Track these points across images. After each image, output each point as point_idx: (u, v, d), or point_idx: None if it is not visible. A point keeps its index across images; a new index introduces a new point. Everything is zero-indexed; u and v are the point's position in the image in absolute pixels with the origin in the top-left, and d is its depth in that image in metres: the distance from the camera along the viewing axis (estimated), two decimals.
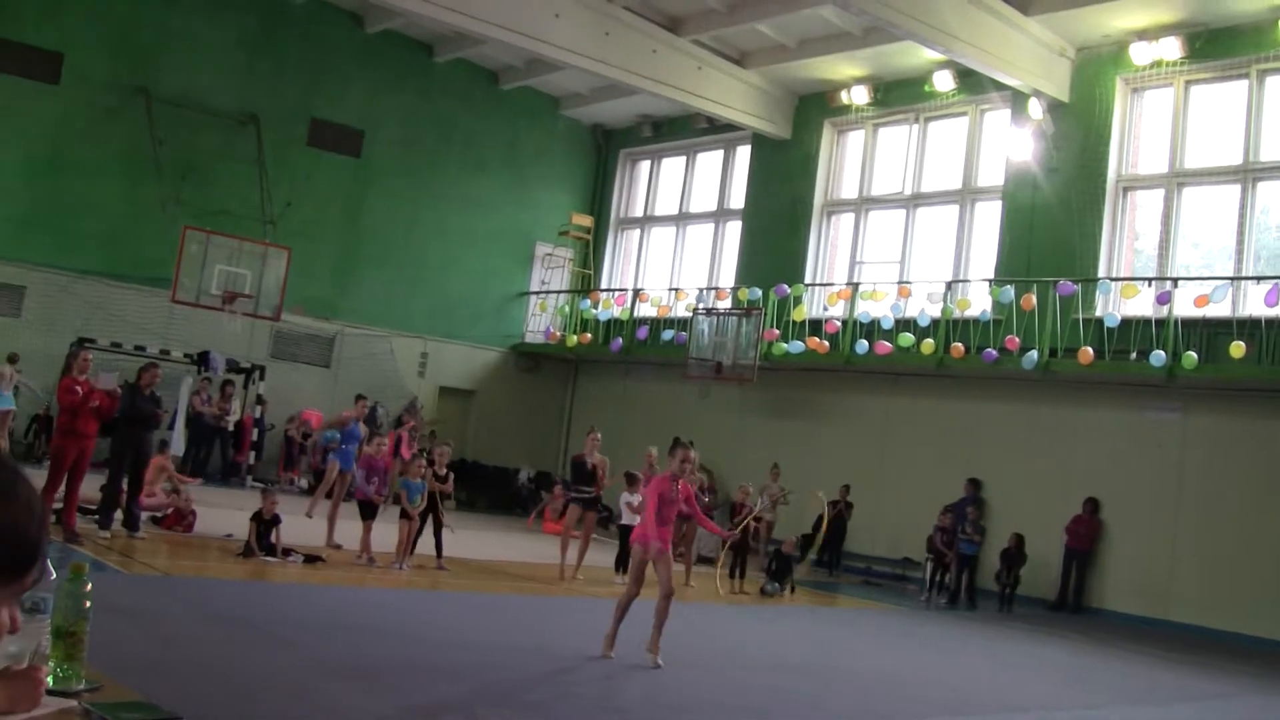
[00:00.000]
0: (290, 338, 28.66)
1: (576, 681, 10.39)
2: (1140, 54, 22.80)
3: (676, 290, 29.37)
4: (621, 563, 18.46)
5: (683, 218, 32.36)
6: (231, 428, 26.21)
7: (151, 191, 26.27)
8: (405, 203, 30.46)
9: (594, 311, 30.91)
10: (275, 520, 15.68)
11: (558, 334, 31.62)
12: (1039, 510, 22.33)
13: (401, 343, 30.42)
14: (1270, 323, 19.96)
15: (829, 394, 26.55)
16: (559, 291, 32.59)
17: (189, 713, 5.44)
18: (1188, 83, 22.97)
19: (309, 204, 28.65)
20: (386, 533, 16.75)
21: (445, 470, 17.27)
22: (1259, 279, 20.91)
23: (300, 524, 17.60)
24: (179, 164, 26.71)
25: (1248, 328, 20.30)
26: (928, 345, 23.42)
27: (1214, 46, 22.28)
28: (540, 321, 32.41)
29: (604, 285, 32.88)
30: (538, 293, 32.60)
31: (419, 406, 29.64)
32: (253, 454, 26.85)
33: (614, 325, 30.51)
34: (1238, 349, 19.73)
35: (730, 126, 29.53)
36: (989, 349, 22.59)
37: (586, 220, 33.15)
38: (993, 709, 11.54)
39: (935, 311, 23.92)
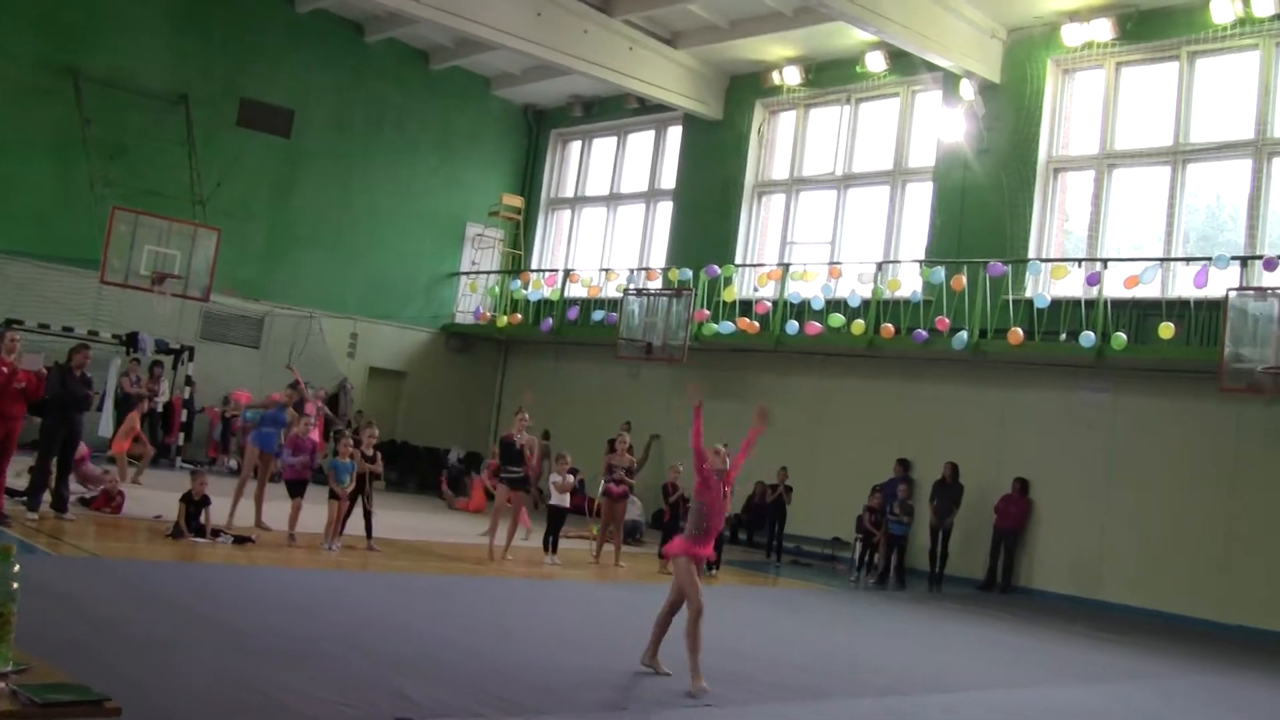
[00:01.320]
0: (220, 319, 28.18)
1: (505, 660, 10.25)
2: (1071, 35, 22.83)
3: (607, 271, 29.09)
4: (550, 543, 18.42)
5: (614, 198, 32.19)
6: (160, 409, 25.78)
7: (80, 172, 25.75)
8: (336, 183, 30.05)
9: (524, 292, 30.66)
10: (205, 501, 15.50)
11: (488, 314, 31.35)
12: (969, 490, 22.25)
13: (331, 323, 30.03)
14: (1199, 304, 20.03)
15: (759, 374, 26.41)
16: (489, 272, 32.31)
17: (118, 694, 5.22)
18: (1119, 64, 23.04)
19: (239, 184, 28.20)
20: (318, 514, 16.53)
21: (373, 451, 17.05)
22: (1188, 260, 20.96)
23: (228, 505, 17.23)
24: (107, 144, 26.21)
25: (1176, 309, 20.39)
26: (858, 326, 23.34)
27: (1145, 28, 22.33)
28: (470, 302, 32.12)
29: (534, 266, 32.65)
30: (468, 273, 32.32)
31: (349, 388, 29.41)
32: (182, 435, 26.42)
33: (544, 306, 30.22)
34: (1167, 330, 19.77)
35: (662, 107, 29.33)
36: (919, 330, 22.56)
37: (517, 201, 32.84)
38: (922, 689, 11.47)
39: (866, 292, 23.83)
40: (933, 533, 22.13)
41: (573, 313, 28.88)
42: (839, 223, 26.96)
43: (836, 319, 23.65)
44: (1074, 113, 23.92)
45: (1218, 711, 12.54)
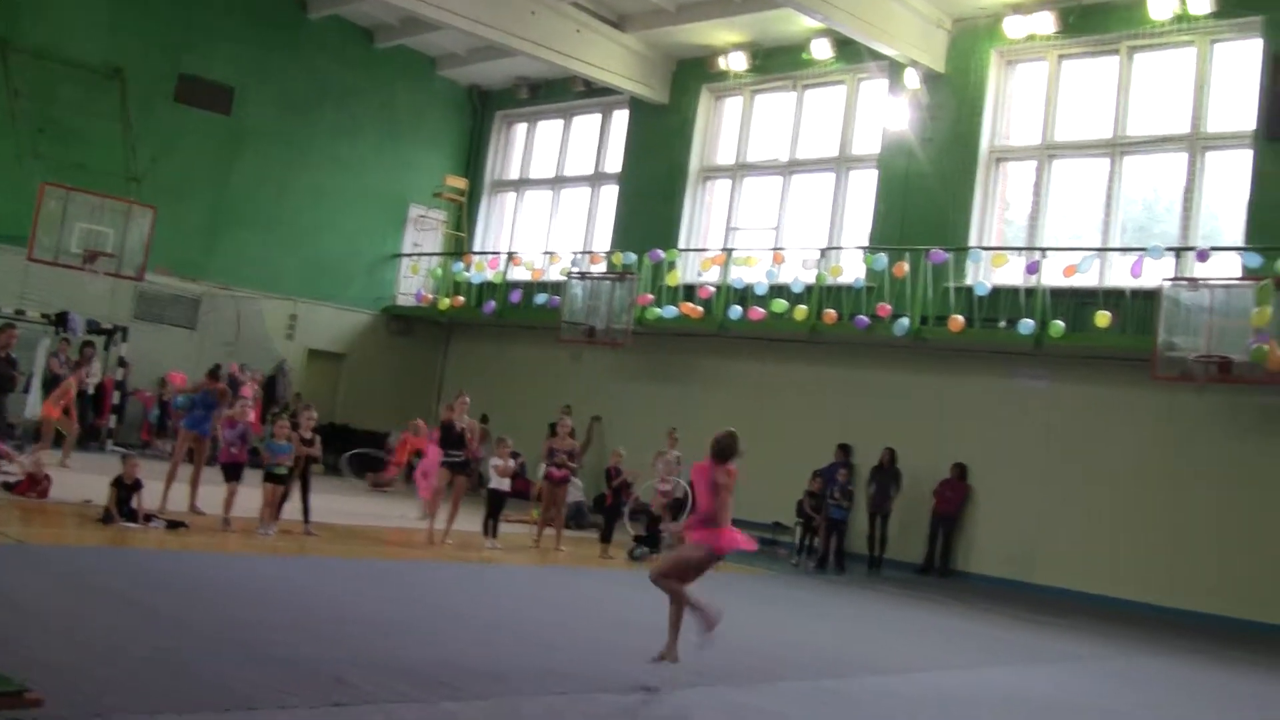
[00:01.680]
0: (155, 299, 27.83)
1: (445, 644, 10.26)
2: (1014, 27, 23.12)
3: (551, 254, 29.22)
4: (490, 527, 18.45)
5: (558, 181, 32.17)
6: (92, 390, 25.37)
7: (8, 145, 25.36)
8: (277, 162, 29.84)
9: (467, 274, 30.55)
10: (136, 485, 15.26)
11: (430, 297, 31.28)
12: (908, 475, 22.47)
13: (270, 304, 29.87)
14: (1134, 293, 20.38)
15: (702, 359, 26.58)
16: (432, 254, 32.25)
17: (44, 684, 5.31)
18: (1060, 57, 23.36)
19: (176, 162, 27.90)
20: (255, 499, 16.39)
21: (312, 434, 16.96)
22: (1124, 250, 21.37)
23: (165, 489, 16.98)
24: (37, 117, 25.82)
25: (1113, 298, 20.70)
26: (801, 311, 23.50)
27: (1086, 22, 22.65)
28: (412, 284, 32.00)
29: (477, 248, 32.58)
30: (410, 255, 32.21)
31: (287, 370, 29.32)
32: (113, 417, 26.02)
33: (487, 288, 30.17)
34: (1103, 318, 20.09)
35: (608, 90, 29.36)
36: (861, 316, 22.72)
37: (461, 182, 32.79)
38: (861, 671, 11.55)
39: (809, 278, 23.98)
40: (871, 517, 22.39)
41: (515, 296, 28.78)
42: (783, 209, 27.09)
43: (779, 304, 23.80)
44: (1016, 104, 24.19)
45: (1152, 692, 12.70)
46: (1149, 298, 19.86)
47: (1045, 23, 22.81)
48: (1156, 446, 20.66)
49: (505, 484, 18.70)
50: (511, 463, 18.94)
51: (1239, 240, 20.35)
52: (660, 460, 20.88)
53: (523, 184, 33.17)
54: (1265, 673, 15.09)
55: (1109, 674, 13.60)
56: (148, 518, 15.32)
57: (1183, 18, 21.49)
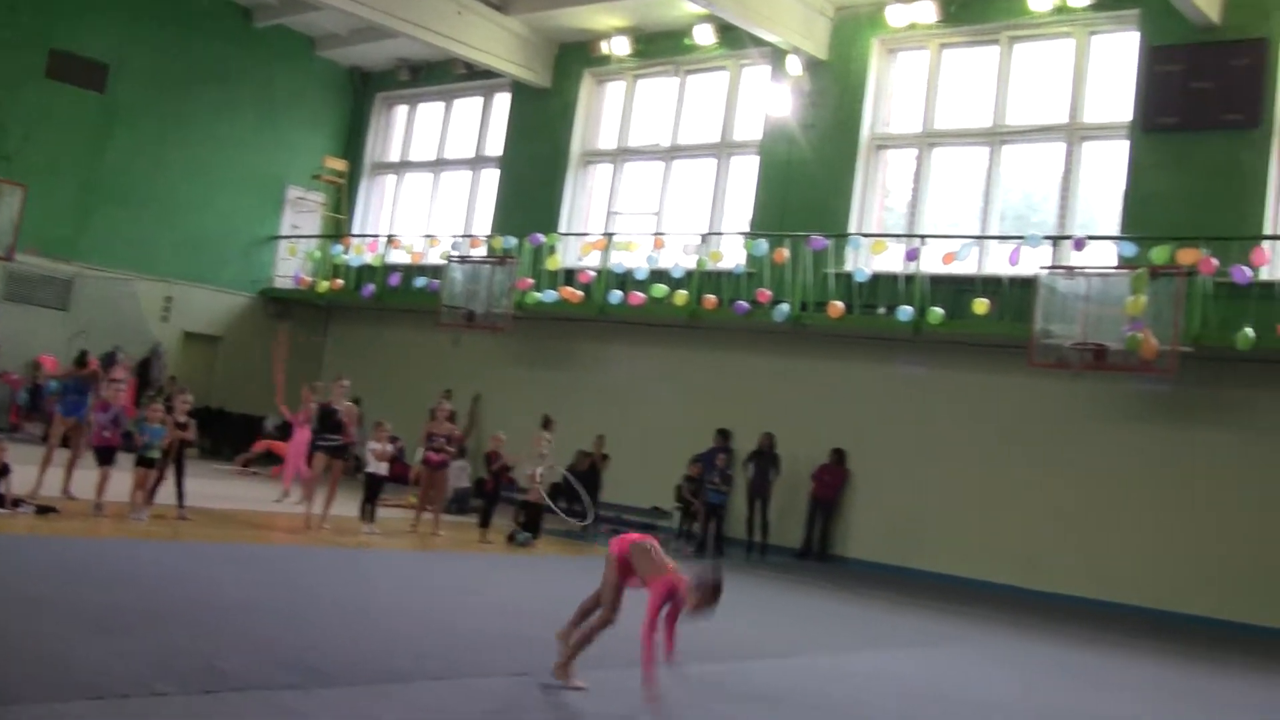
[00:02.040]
0: (24, 279, 26.79)
1: (320, 630, 9.94)
2: (897, 16, 22.98)
3: (431, 237, 28.56)
4: (367, 512, 18.04)
5: (439, 164, 31.57)
6: None
7: None
8: (152, 140, 28.86)
9: (346, 257, 29.86)
10: (4, 470, 14.67)
11: (308, 279, 30.53)
12: (788, 460, 22.35)
13: (145, 286, 28.92)
14: (1012, 281, 20.29)
15: (583, 343, 26.28)
16: (310, 236, 31.51)
17: None
18: (941, 46, 23.28)
19: (48, 139, 26.89)
20: (129, 482, 15.75)
21: (186, 418, 16.34)
22: (1002, 239, 21.36)
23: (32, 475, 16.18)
24: None
25: (991, 286, 20.63)
26: (681, 297, 23.19)
27: (967, 12, 22.57)
28: (290, 266, 31.19)
29: (357, 231, 31.91)
30: (288, 237, 31.43)
31: (162, 353, 28.60)
32: None
33: (366, 272, 29.54)
34: (981, 306, 20.03)
35: (490, 73, 28.83)
36: (741, 301, 22.51)
37: (340, 164, 32.07)
38: (740, 656, 11.39)
39: (689, 263, 23.67)
40: (750, 502, 22.23)
41: (394, 279, 28.29)
42: (664, 194, 26.82)
43: (660, 289, 23.45)
44: (897, 92, 24.08)
45: (1025, 673, 12.64)
46: (1026, 285, 19.84)
47: (927, 12, 22.69)
48: (1032, 432, 20.67)
49: (383, 468, 18.32)
50: (389, 447, 18.54)
51: (1115, 229, 20.39)
52: (535, 445, 20.52)
53: (403, 167, 32.51)
54: (1129, 652, 15.13)
55: (983, 657, 13.51)
56: (16, 502, 14.70)
57: (1062, 9, 21.50)
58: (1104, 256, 19.94)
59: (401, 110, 32.86)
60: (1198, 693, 12.77)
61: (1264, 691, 13.48)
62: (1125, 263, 19.08)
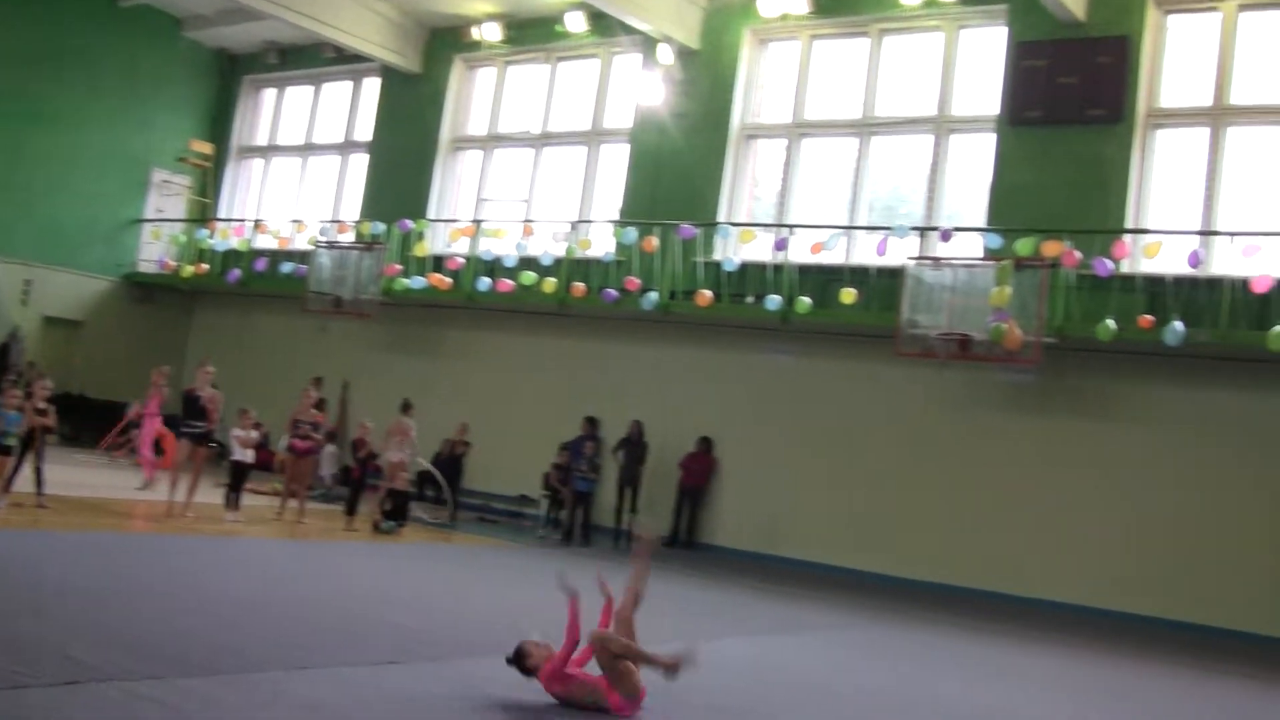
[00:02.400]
0: None
1: (183, 619, 9.47)
2: (768, 6, 22.67)
3: (298, 222, 27.67)
4: (232, 499, 17.53)
5: (307, 148, 30.69)
6: None
7: None
8: (11, 120, 27.52)
9: (211, 242, 28.94)
10: None
11: (173, 264, 29.51)
12: (657, 448, 22.08)
13: (3, 269, 27.65)
14: (879, 271, 20.21)
15: (451, 330, 25.72)
16: (176, 220, 30.37)
17: None
18: (812, 37, 23.05)
19: None
20: None
21: (46, 404, 15.66)
22: (871, 229, 21.17)
23: None
24: None
25: (859, 275, 20.51)
26: (550, 284, 22.73)
27: (838, 4, 22.41)
28: (155, 250, 30.01)
29: (223, 215, 30.92)
30: (153, 221, 30.22)
31: (21, 337, 27.59)
32: None
33: (232, 256, 28.59)
34: (848, 295, 19.84)
35: (359, 58, 28.03)
36: (610, 289, 22.13)
37: (206, 147, 30.97)
38: None
39: (559, 251, 23.24)
40: (619, 490, 21.90)
41: (261, 264, 27.32)
42: (534, 181, 26.31)
43: (529, 277, 22.99)
44: (768, 82, 23.80)
45: (890, 659, 12.49)
46: (894, 276, 19.72)
47: (798, 3, 22.40)
48: (898, 421, 20.59)
49: (249, 455, 17.80)
50: (254, 433, 18.03)
51: (981, 222, 20.31)
52: (392, 435, 20.09)
53: (271, 151, 31.53)
54: (998, 638, 15.06)
55: (848, 643, 13.33)
56: None
57: (931, 4, 21.47)
58: (970, 248, 19.90)
59: (269, 94, 31.86)
60: (1055, 677, 12.60)
61: (1111, 671, 13.46)
62: (990, 254, 19.06)
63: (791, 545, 20.97)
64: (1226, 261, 17.73)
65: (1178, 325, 17.07)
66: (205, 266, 28.77)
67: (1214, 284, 17.69)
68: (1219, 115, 19.35)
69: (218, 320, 30.26)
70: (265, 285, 27.89)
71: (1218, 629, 17.52)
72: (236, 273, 27.72)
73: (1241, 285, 17.22)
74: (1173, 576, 18.19)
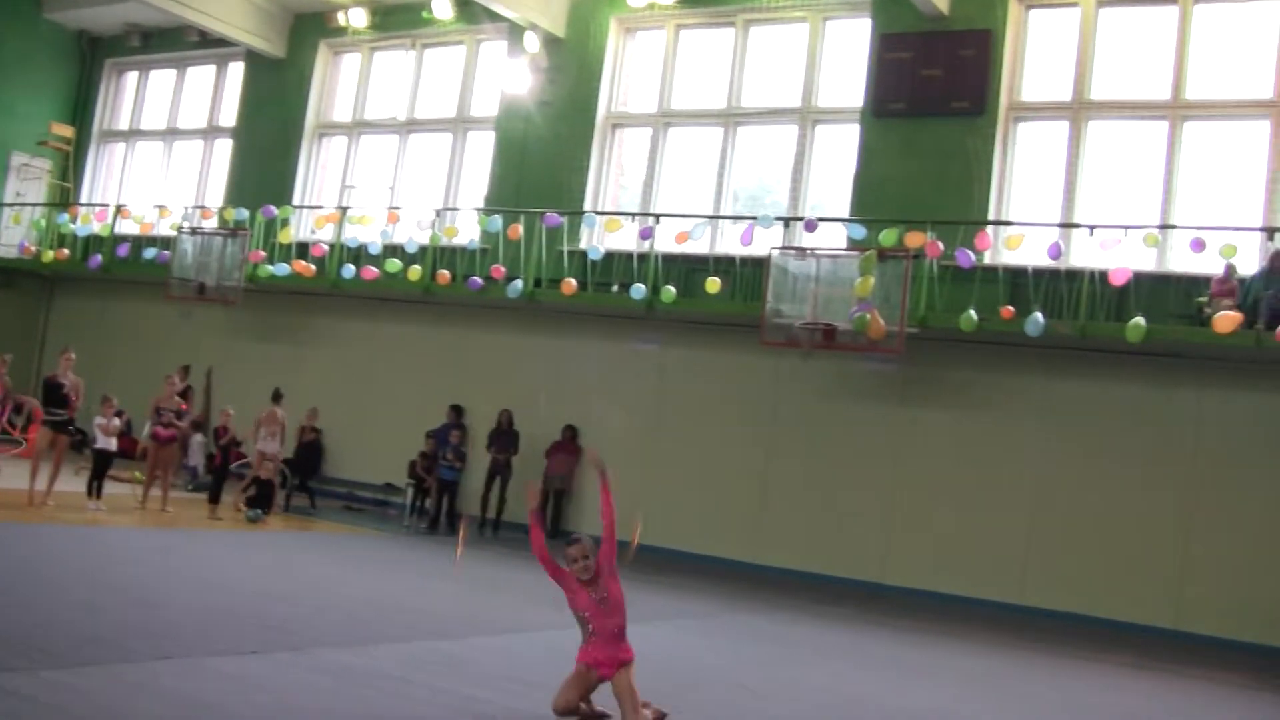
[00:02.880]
0: None
1: (44, 609, 9.28)
2: None
3: (161, 208, 26.45)
4: (95, 488, 16.86)
5: (171, 133, 29.44)
6: None
7: None
8: None
9: (73, 226, 27.55)
10: None
11: (33, 249, 28.14)
12: (523, 437, 21.51)
13: None
14: (744, 261, 19.85)
15: (315, 318, 24.79)
16: (35, 204, 28.96)
17: None
18: (679, 27, 22.57)
19: None
20: None
21: None
22: (736, 219, 20.79)
23: None
24: None
25: (724, 265, 20.18)
26: (415, 272, 21.95)
27: None
28: (14, 235, 28.59)
29: (84, 199, 29.55)
30: (12, 205, 28.83)
31: None
32: None
33: (94, 242, 27.21)
34: (714, 285, 19.48)
35: (224, 42, 26.92)
36: (475, 277, 21.43)
37: (67, 131, 29.61)
38: (473, 631, 11.05)
39: (424, 238, 22.49)
40: (488, 480, 21.31)
41: (123, 250, 26.07)
42: (400, 168, 25.53)
43: (394, 264, 22.16)
44: (634, 71, 23.29)
45: (758, 645, 12.47)
46: (759, 265, 19.24)
47: None
48: (764, 409, 20.22)
49: (111, 443, 17.18)
50: (116, 421, 17.45)
51: (845, 212, 20.08)
52: (261, 426, 19.33)
53: (133, 135, 30.15)
54: (845, 625, 14.92)
55: (716, 630, 13.21)
56: None
57: None
58: (834, 238, 19.59)
59: (132, 77, 30.47)
60: (894, 661, 12.53)
61: (960, 658, 13.36)
62: (854, 245, 18.76)
63: (657, 534, 20.40)
64: (1086, 254, 17.54)
65: (1038, 316, 16.93)
66: (66, 252, 27.42)
67: (1074, 276, 17.51)
68: (1079, 109, 19.27)
69: (79, 306, 29.00)
70: (128, 271, 26.64)
71: (1071, 614, 17.50)
72: (98, 258, 26.50)
73: (1100, 278, 17.08)
74: (1031, 563, 18.09)
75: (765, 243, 19.29)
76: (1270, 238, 16.91)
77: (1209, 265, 16.83)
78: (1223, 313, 16.02)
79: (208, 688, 7.40)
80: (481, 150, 24.44)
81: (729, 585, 17.35)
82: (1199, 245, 16.39)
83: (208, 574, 12.56)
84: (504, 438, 21.52)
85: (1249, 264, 16.98)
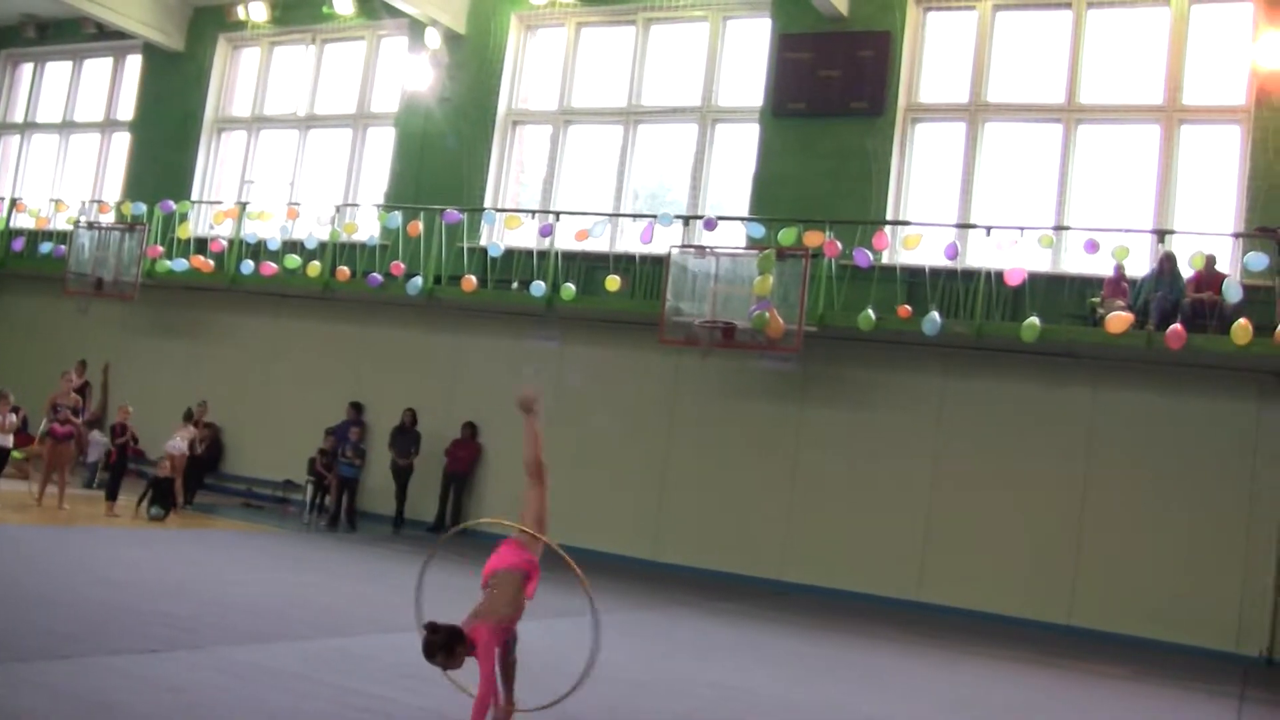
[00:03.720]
0: None
1: None
2: None
3: (57, 202, 25.38)
4: None
5: (67, 126, 28.14)
6: None
7: None
8: None
9: None
10: None
11: None
12: (423, 433, 21.04)
13: None
14: (644, 259, 19.37)
15: (214, 314, 23.79)
16: None
17: None
18: (579, 24, 21.95)
19: None
20: None
21: None
22: (635, 217, 20.21)
23: None
24: None
25: (623, 263, 19.65)
26: (314, 268, 21.14)
27: None
28: None
29: None
30: None
31: None
32: None
33: None
34: (613, 283, 18.99)
35: (121, 34, 25.75)
36: (375, 274, 20.68)
37: None
38: (371, 629, 10.90)
39: (323, 234, 21.65)
40: (395, 476, 20.90)
41: (18, 244, 24.90)
42: (299, 164, 24.60)
43: (293, 260, 21.33)
44: (535, 68, 22.63)
45: (653, 642, 12.40)
46: (658, 263, 18.76)
47: None
48: (662, 407, 19.79)
49: (8, 440, 16.95)
50: (13, 417, 17.15)
51: (744, 211, 19.67)
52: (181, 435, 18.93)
53: (28, 128, 28.75)
54: (742, 622, 14.69)
55: (612, 625, 12.45)
56: None
57: None
58: (734, 237, 19.14)
59: (27, 69, 29.04)
60: (790, 656, 12.40)
61: (856, 654, 13.31)
62: (754, 243, 18.38)
63: (556, 532, 19.84)
64: (982, 255, 17.27)
65: (935, 316, 16.64)
66: None
67: (970, 276, 17.24)
68: (976, 111, 18.99)
69: None
70: (23, 265, 25.43)
71: (967, 611, 17.34)
72: None
73: (996, 278, 16.82)
74: (928, 560, 17.86)
75: (665, 241, 18.82)
76: (1160, 240, 16.69)
77: (1102, 266, 16.70)
78: (1115, 313, 15.85)
79: (107, 686, 7.17)
80: (382, 146, 23.64)
81: (627, 582, 16.85)
82: (1092, 247, 16.32)
83: (106, 572, 12.21)
84: (405, 437, 20.98)
85: (1140, 265, 16.84)
